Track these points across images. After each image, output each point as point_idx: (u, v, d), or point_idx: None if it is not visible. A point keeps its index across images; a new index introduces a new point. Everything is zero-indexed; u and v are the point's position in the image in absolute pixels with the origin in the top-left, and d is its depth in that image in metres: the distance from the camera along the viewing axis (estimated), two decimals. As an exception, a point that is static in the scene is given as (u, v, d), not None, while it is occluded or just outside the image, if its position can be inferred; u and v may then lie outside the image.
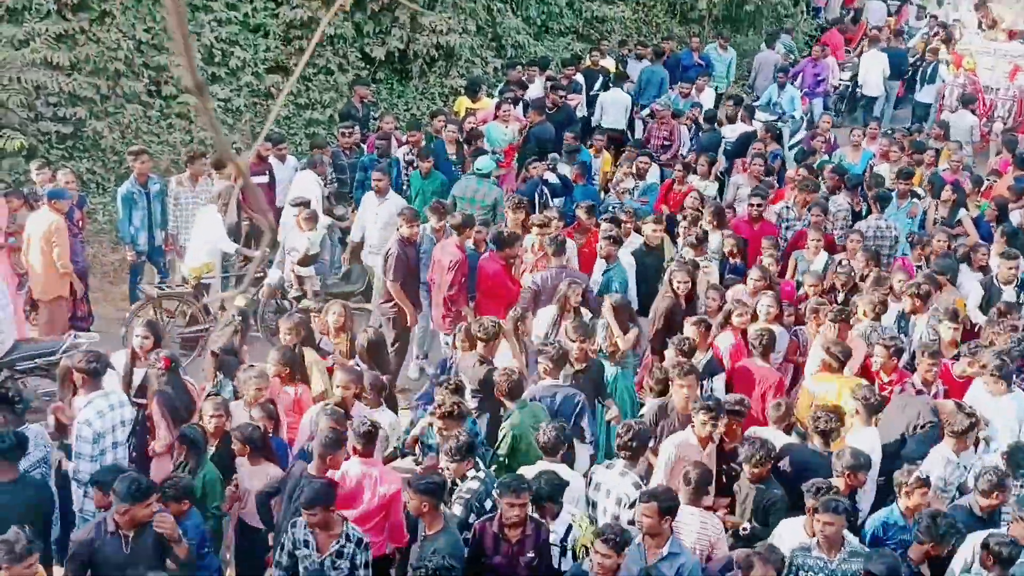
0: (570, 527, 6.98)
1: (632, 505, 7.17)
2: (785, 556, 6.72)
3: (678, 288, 9.94)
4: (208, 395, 8.15)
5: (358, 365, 8.75)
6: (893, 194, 13.04)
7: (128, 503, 6.30)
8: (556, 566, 6.87)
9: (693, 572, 6.58)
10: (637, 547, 6.65)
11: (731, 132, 16.06)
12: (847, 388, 8.60)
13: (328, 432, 7.17)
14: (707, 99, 17.41)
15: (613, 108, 16.69)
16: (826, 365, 8.92)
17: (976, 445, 8.24)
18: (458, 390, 8.13)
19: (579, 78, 17.39)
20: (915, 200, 13.28)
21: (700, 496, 7.14)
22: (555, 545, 6.86)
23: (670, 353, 8.79)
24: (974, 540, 6.74)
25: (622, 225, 11.61)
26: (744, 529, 7.39)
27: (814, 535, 6.79)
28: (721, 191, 14.09)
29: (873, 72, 19.56)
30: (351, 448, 7.32)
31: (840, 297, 10.59)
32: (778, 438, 8.03)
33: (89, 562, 6.42)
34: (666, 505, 6.59)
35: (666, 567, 6.52)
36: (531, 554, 6.66)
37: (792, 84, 18.00)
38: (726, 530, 7.32)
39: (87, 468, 7.34)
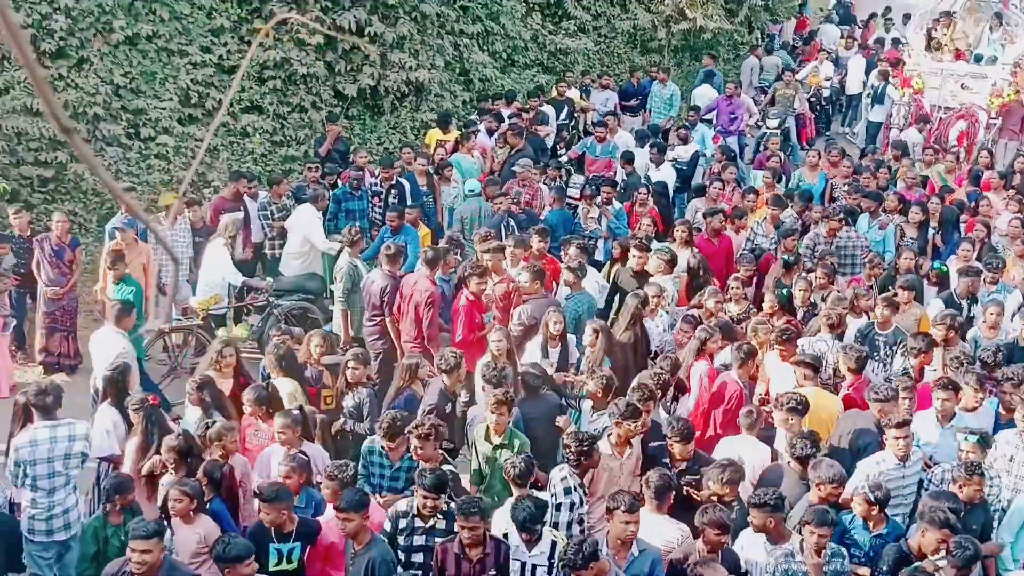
0: (554, 544, 7.21)
1: (572, 507, 7.60)
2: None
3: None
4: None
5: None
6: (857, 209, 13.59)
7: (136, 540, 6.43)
8: None
9: (659, 565, 7.01)
10: (607, 556, 6.92)
11: (684, 152, 16.65)
12: (818, 399, 8.90)
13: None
14: (622, 142, 16.86)
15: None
16: (802, 379, 9.16)
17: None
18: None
19: (548, 109, 18.02)
20: (883, 214, 13.65)
21: (664, 502, 7.42)
22: (543, 566, 7.10)
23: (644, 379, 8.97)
24: None
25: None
26: None
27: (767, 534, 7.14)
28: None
29: (855, 72, 21.80)
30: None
31: (800, 314, 10.95)
32: (752, 445, 8.37)
33: None
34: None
35: (638, 566, 6.94)
36: (492, 572, 6.89)
37: (703, 123, 18.31)
38: None
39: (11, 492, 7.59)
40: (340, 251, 12.69)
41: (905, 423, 8.08)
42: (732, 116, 18.93)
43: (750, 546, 7.32)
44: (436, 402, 8.90)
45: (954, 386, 8.79)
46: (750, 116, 19.36)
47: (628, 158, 15.94)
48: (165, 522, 7.11)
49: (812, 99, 21.16)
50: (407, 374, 9.36)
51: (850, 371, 9.41)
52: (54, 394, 7.96)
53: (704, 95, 20.11)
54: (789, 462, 8.10)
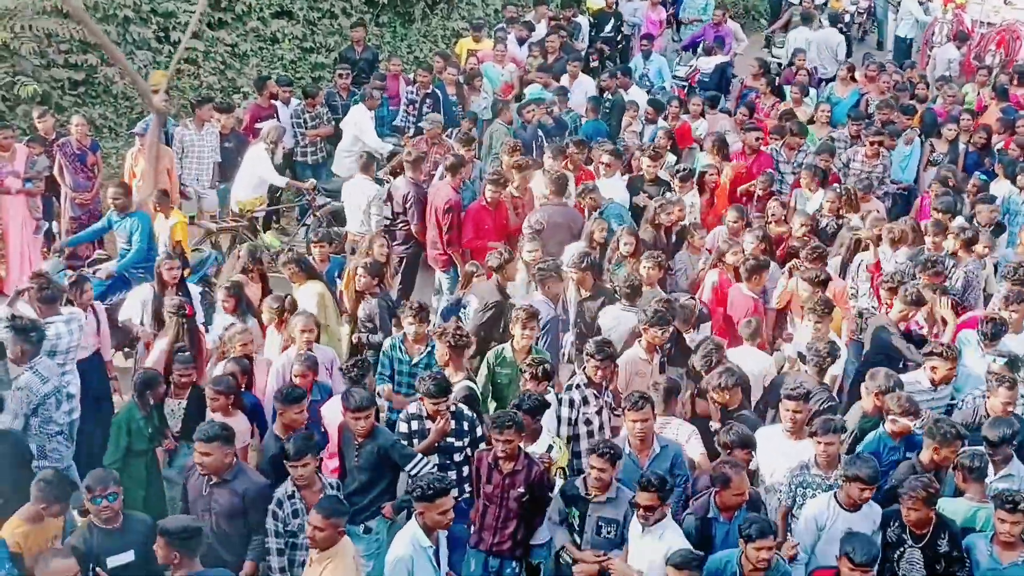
0: (550, 447, 7.38)
1: (572, 404, 7.78)
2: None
3: (665, 222, 10.46)
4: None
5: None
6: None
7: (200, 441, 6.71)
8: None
9: (680, 456, 7.28)
10: (629, 457, 7.15)
11: (706, 64, 16.28)
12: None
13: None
14: (580, 87, 15.15)
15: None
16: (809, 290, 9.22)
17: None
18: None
19: (582, 20, 17.73)
20: (912, 129, 13.49)
21: (671, 404, 7.62)
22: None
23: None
24: None
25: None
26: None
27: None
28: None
29: None
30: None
31: (829, 224, 10.93)
32: (753, 355, 8.50)
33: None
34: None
35: (660, 462, 7.14)
36: (521, 489, 6.91)
37: (657, 53, 17.05)
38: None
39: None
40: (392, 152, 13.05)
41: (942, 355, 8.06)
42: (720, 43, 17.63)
43: (768, 440, 7.42)
44: (499, 299, 9.10)
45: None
46: (738, 43, 18.01)
47: (626, 71, 15.68)
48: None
49: (838, 25, 19.56)
50: (465, 280, 9.76)
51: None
52: (54, 287, 8.30)
53: None
54: (805, 369, 8.21)
